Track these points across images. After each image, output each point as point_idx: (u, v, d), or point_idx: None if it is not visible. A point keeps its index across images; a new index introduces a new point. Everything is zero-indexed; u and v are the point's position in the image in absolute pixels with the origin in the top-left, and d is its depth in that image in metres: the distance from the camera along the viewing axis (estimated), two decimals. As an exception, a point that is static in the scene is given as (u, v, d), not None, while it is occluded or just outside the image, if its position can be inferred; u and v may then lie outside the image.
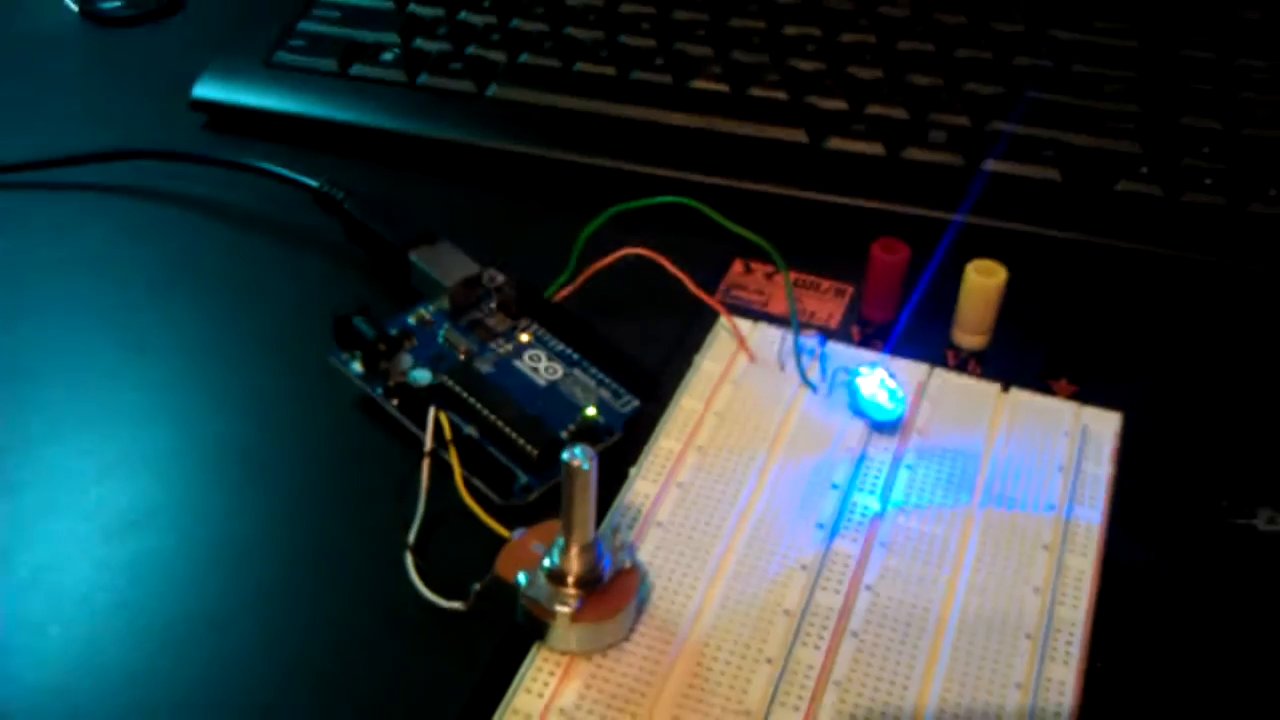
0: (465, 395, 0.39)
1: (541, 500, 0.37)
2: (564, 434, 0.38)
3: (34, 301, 0.44)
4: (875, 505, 0.36)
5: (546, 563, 0.32)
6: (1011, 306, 0.40)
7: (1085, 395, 0.39)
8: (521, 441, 0.37)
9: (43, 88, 0.56)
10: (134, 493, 0.38)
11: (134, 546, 0.36)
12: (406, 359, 0.40)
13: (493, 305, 0.42)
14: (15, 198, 0.49)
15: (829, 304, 0.43)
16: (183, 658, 0.34)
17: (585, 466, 0.30)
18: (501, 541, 0.34)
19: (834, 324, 0.42)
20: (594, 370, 0.40)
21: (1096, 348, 0.42)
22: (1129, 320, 0.43)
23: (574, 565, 0.32)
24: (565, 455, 0.30)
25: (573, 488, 0.31)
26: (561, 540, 0.32)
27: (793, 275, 0.42)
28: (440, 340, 0.41)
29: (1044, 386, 0.40)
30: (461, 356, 0.40)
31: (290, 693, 0.33)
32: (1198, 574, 0.35)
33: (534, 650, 0.32)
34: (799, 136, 0.48)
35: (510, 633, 0.33)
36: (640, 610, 0.33)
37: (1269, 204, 0.45)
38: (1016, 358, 0.41)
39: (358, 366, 0.40)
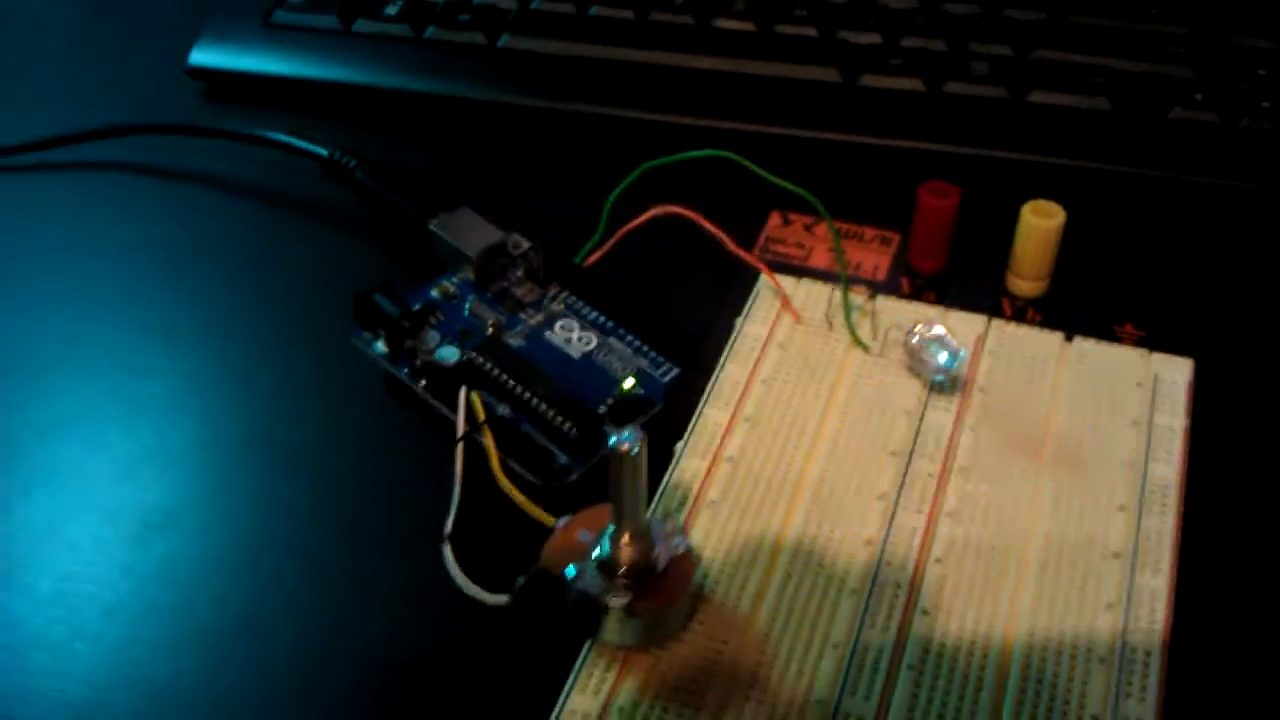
0: (496, 372, 0.37)
1: (582, 481, 0.35)
2: (602, 409, 0.36)
3: (40, 289, 0.42)
4: (938, 472, 0.34)
5: (596, 553, 0.31)
6: (1067, 247, 0.38)
7: (1152, 340, 0.37)
8: (559, 420, 0.35)
9: (35, 63, 0.54)
10: (158, 491, 0.36)
11: (161, 549, 0.34)
12: (432, 335, 0.38)
13: (519, 273, 0.40)
14: (15, 180, 0.47)
15: (874, 254, 0.41)
16: (221, 664, 0.32)
17: (634, 451, 0.28)
18: (542, 528, 0.32)
19: (881, 275, 0.40)
20: (630, 338, 0.38)
21: (1161, 289, 0.39)
22: (1192, 257, 0.41)
23: (625, 554, 0.30)
24: (613, 439, 0.28)
25: (622, 473, 0.29)
26: (611, 528, 0.30)
27: (836, 225, 0.40)
28: (466, 313, 0.39)
29: (1108, 333, 0.37)
30: (490, 330, 0.38)
31: (331, 696, 0.31)
32: (1278, 526, 0.33)
33: (587, 646, 0.30)
34: (832, 75, 0.46)
35: (560, 628, 0.31)
36: (697, 598, 0.31)
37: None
38: (1077, 303, 0.39)
39: (381, 346, 0.38)
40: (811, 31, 0.48)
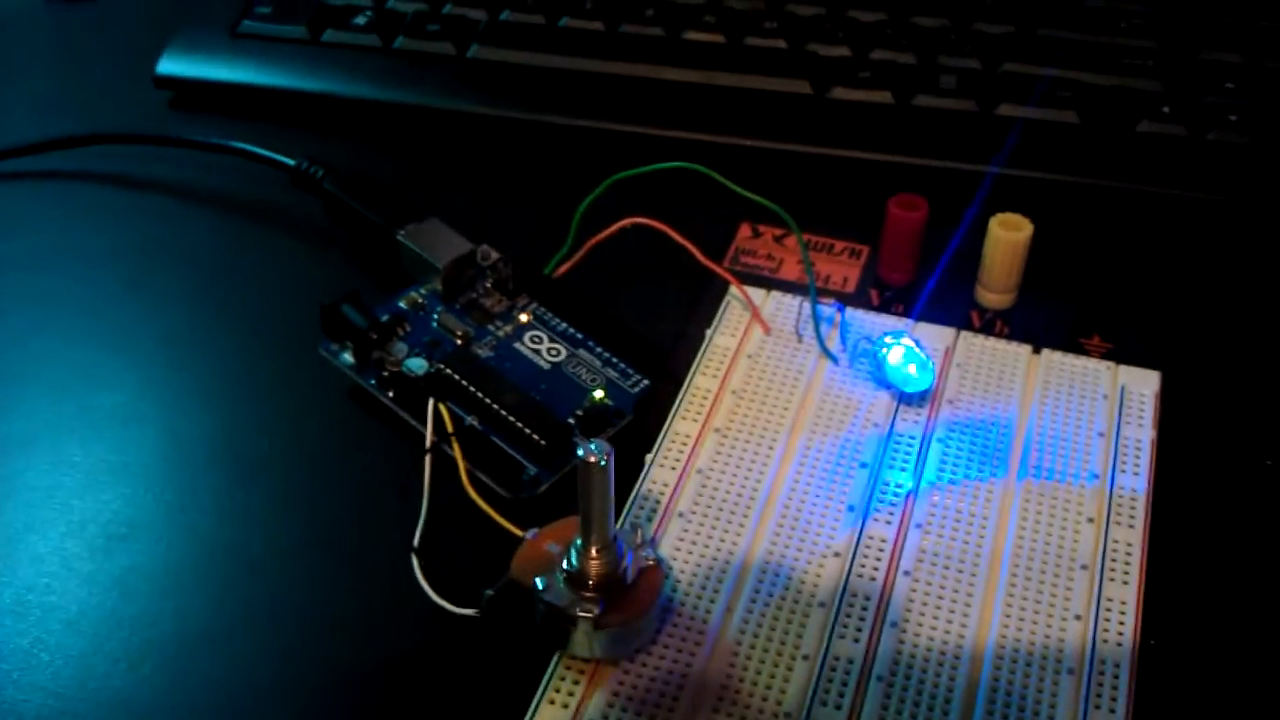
0: (465, 383, 0.36)
1: (552, 492, 0.35)
2: (571, 419, 0.36)
3: (1, 300, 0.42)
4: (908, 483, 0.34)
5: (564, 565, 0.30)
6: (1035, 260, 0.38)
7: (1119, 353, 0.37)
8: (528, 430, 0.35)
9: (2, 73, 0.53)
10: (120, 502, 0.35)
11: (124, 561, 0.34)
12: (400, 347, 0.38)
13: (488, 284, 0.40)
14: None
15: (844, 266, 0.41)
16: (182, 676, 0.31)
17: (602, 462, 0.28)
18: (512, 539, 0.32)
19: (850, 288, 0.40)
20: (599, 349, 0.38)
21: (1127, 301, 0.39)
22: (1158, 270, 0.41)
23: (594, 566, 0.30)
24: (580, 451, 0.28)
25: (589, 485, 0.29)
26: (579, 540, 0.30)
27: (805, 237, 0.40)
28: (434, 324, 0.39)
29: (1076, 345, 0.37)
30: (458, 341, 0.38)
31: (293, 710, 0.31)
32: (1246, 536, 0.33)
33: (555, 658, 0.30)
34: (802, 88, 0.46)
35: (528, 640, 0.31)
36: (666, 610, 0.31)
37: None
38: (1044, 316, 0.39)
39: (349, 357, 0.37)
40: (781, 44, 0.48)
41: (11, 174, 0.47)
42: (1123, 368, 0.37)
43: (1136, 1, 0.48)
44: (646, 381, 0.37)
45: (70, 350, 0.40)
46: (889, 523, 0.33)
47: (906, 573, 0.32)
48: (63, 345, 0.40)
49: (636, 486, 0.34)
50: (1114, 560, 0.32)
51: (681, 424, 0.35)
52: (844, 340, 0.37)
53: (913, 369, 0.35)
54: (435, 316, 0.39)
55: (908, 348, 0.35)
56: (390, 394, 0.37)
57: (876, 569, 0.32)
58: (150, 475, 0.36)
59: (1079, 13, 0.48)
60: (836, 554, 0.32)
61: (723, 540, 0.33)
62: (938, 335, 0.38)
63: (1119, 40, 0.47)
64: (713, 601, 0.31)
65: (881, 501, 0.33)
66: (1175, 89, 0.45)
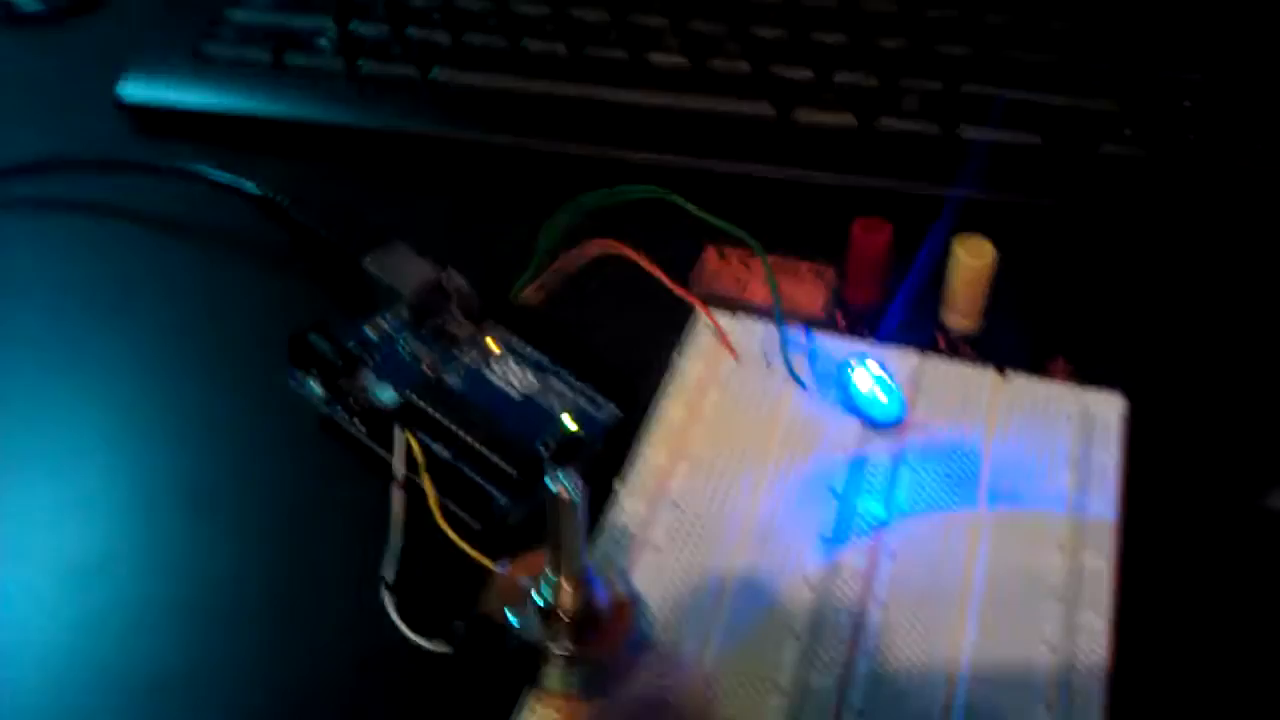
0: (434, 413, 0.36)
1: (525, 523, 0.34)
2: (542, 448, 0.36)
3: (-40, 331, 0.42)
4: (879, 511, 0.34)
5: (537, 598, 0.30)
6: (999, 282, 0.38)
7: (1083, 375, 0.37)
8: (498, 461, 0.35)
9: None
10: (88, 538, 0.35)
11: (91, 598, 0.34)
12: (368, 376, 0.37)
13: (455, 310, 0.40)
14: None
15: (809, 288, 0.41)
16: (152, 713, 0.31)
17: (575, 498, 0.28)
18: (483, 571, 0.32)
19: (817, 309, 0.40)
20: (567, 376, 0.38)
21: (1092, 323, 0.40)
22: (1122, 292, 0.41)
23: (566, 600, 0.30)
24: (551, 484, 0.28)
25: (560, 518, 0.29)
26: (550, 573, 0.30)
27: (770, 260, 0.40)
28: (402, 351, 0.38)
29: (1040, 368, 0.38)
30: (426, 370, 0.38)
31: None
32: (1215, 559, 0.34)
33: (526, 693, 0.30)
34: (765, 110, 0.46)
35: (500, 674, 0.31)
36: (639, 643, 0.31)
37: (1255, 159, 0.43)
38: (1009, 338, 0.39)
39: (317, 387, 0.37)
40: (745, 67, 0.48)
41: (-30, 201, 0.47)
42: (1087, 391, 0.37)
43: (1097, 23, 0.49)
44: (615, 409, 0.37)
45: (33, 381, 0.40)
46: (861, 552, 0.33)
47: (880, 602, 0.32)
48: (25, 376, 0.40)
49: (606, 516, 0.34)
50: (1085, 587, 0.32)
51: (651, 452, 0.35)
52: (812, 366, 0.37)
53: (880, 394, 0.35)
54: (402, 342, 0.39)
55: (877, 376, 0.36)
56: (359, 424, 0.36)
57: (850, 599, 0.32)
58: (119, 510, 0.36)
59: (1040, 34, 0.48)
60: (810, 586, 0.32)
61: (695, 570, 0.33)
62: (903, 359, 0.38)
63: (1079, 62, 0.47)
64: (687, 634, 0.31)
65: (854, 530, 0.33)
66: (1135, 110, 0.45)
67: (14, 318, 0.42)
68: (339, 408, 0.37)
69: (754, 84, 0.47)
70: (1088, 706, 0.30)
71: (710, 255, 0.42)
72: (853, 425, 0.36)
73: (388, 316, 0.39)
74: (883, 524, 0.33)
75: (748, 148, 0.45)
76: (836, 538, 0.33)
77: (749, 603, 0.32)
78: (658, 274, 0.38)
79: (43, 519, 0.36)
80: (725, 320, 0.39)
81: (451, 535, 0.33)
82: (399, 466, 0.35)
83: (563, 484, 0.28)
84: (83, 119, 0.50)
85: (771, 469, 0.35)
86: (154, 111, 0.49)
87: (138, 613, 0.33)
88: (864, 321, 0.40)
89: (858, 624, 0.31)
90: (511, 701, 0.30)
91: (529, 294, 0.40)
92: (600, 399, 0.37)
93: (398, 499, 0.34)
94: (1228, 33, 0.48)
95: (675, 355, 0.38)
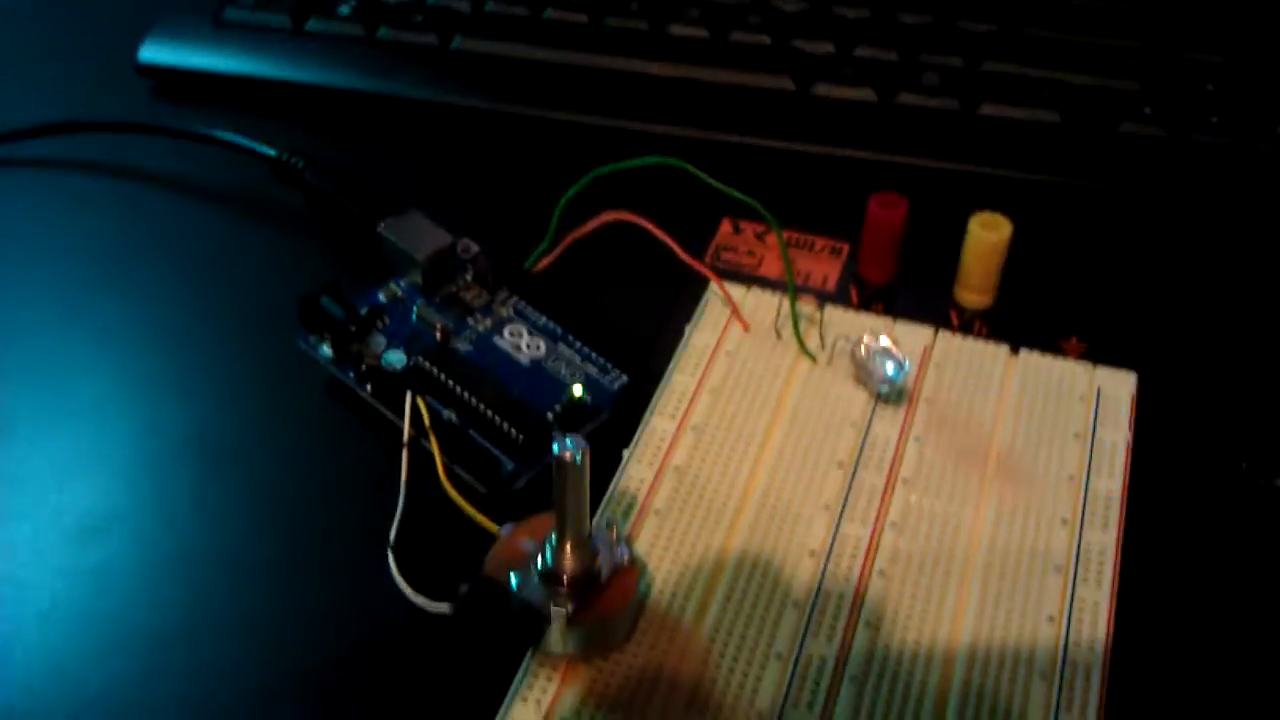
0: (443, 378, 0.36)
1: (530, 488, 0.35)
2: (550, 415, 0.36)
3: (-23, 288, 0.42)
4: (883, 483, 0.34)
5: (539, 561, 0.30)
6: (1015, 259, 0.38)
7: (1096, 353, 0.37)
8: (506, 426, 0.35)
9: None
10: (96, 494, 0.35)
11: (99, 554, 0.34)
12: (379, 340, 0.38)
13: (468, 278, 0.40)
14: (-45, 176, 0.47)
15: (824, 264, 0.41)
16: (156, 672, 0.31)
17: (578, 460, 0.28)
18: (487, 535, 0.32)
19: (831, 285, 0.40)
20: (579, 345, 0.38)
21: (1107, 302, 0.40)
22: (1137, 271, 0.41)
23: (568, 563, 0.30)
24: (556, 447, 0.28)
25: (564, 481, 0.29)
26: (554, 537, 0.30)
27: (786, 235, 0.40)
28: (414, 318, 0.38)
29: (1054, 346, 0.38)
30: (438, 335, 0.38)
31: (268, 706, 0.31)
32: (1225, 539, 0.34)
33: (528, 655, 0.30)
34: (785, 84, 0.46)
35: (502, 636, 0.31)
36: (640, 608, 0.31)
37: (1273, 143, 0.43)
38: (1023, 315, 0.39)
39: (327, 350, 0.37)
40: (765, 40, 0.47)
41: (-8, 161, 0.47)
42: (1100, 369, 0.37)
43: (1120, 2, 0.48)
44: (625, 378, 0.37)
45: (47, 339, 0.40)
46: (864, 522, 0.33)
47: (881, 573, 0.32)
48: (40, 334, 0.40)
49: (613, 483, 0.34)
50: (1088, 562, 0.32)
51: (659, 420, 0.35)
52: (823, 339, 0.37)
53: (889, 368, 0.35)
54: (415, 309, 0.39)
55: (883, 348, 0.35)
56: (368, 388, 0.37)
57: (851, 569, 0.32)
58: (126, 467, 0.36)
59: (1063, 12, 0.48)
60: (812, 553, 0.32)
61: (698, 538, 0.33)
62: (916, 334, 0.38)
63: (1102, 40, 0.47)
64: (687, 599, 0.31)
65: (858, 502, 0.33)
66: (1157, 90, 0.45)
67: (30, 277, 0.42)
68: (349, 371, 0.37)
69: (774, 57, 0.47)
70: (1087, 681, 0.30)
71: (725, 228, 0.42)
72: (861, 398, 0.36)
73: (401, 282, 0.39)
74: (887, 495, 0.33)
75: (767, 121, 0.45)
76: (840, 508, 0.33)
77: (750, 570, 0.32)
78: (671, 245, 0.38)
79: (51, 475, 0.36)
80: (737, 292, 0.39)
81: (456, 498, 0.33)
82: (406, 430, 0.35)
83: (568, 447, 0.28)
84: (102, 82, 0.50)
85: (777, 439, 0.35)
86: (174, 74, 0.49)
87: (143, 570, 0.34)
88: (879, 297, 0.39)
89: (859, 594, 0.31)
90: (514, 664, 0.30)
91: (543, 264, 0.40)
92: (611, 367, 0.37)
93: (405, 462, 0.35)
94: (1251, 16, 0.48)
95: (687, 326, 0.38)
